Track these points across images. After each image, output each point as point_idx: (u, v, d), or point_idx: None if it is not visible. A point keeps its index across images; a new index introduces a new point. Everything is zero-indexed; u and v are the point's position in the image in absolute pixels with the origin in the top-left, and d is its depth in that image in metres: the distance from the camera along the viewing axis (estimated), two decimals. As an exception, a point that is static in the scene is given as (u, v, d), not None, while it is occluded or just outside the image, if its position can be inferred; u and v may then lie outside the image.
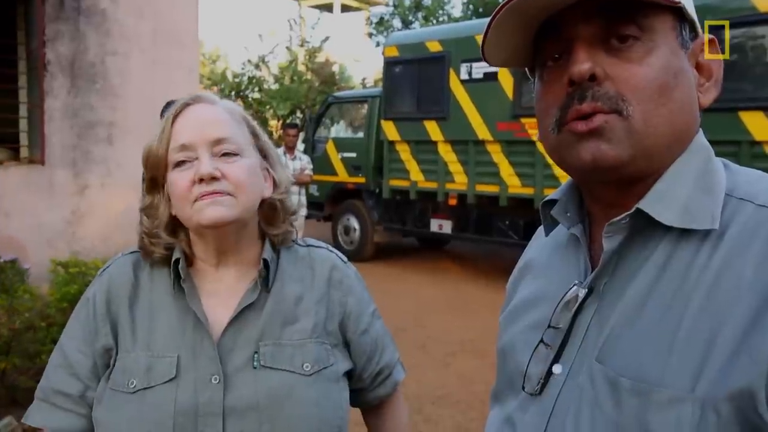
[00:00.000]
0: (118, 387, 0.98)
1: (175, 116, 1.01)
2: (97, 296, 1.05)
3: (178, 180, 0.98)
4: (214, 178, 0.95)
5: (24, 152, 4.90)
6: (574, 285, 0.72)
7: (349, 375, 1.12)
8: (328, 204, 9.45)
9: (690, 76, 0.69)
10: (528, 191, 7.17)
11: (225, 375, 0.97)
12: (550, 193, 0.80)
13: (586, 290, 0.70)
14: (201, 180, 0.95)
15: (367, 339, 1.13)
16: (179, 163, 0.98)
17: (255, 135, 1.06)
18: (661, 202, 0.66)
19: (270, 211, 1.06)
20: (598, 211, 0.75)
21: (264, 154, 1.07)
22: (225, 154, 0.98)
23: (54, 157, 4.87)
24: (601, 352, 0.66)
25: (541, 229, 0.86)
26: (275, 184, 1.08)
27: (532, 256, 0.88)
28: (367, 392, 1.17)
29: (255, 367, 0.99)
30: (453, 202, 8.01)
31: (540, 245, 0.88)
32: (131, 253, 1.10)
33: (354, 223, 9.07)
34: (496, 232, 7.81)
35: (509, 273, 0.94)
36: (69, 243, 4.93)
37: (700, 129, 0.72)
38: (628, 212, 0.66)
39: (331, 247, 1.18)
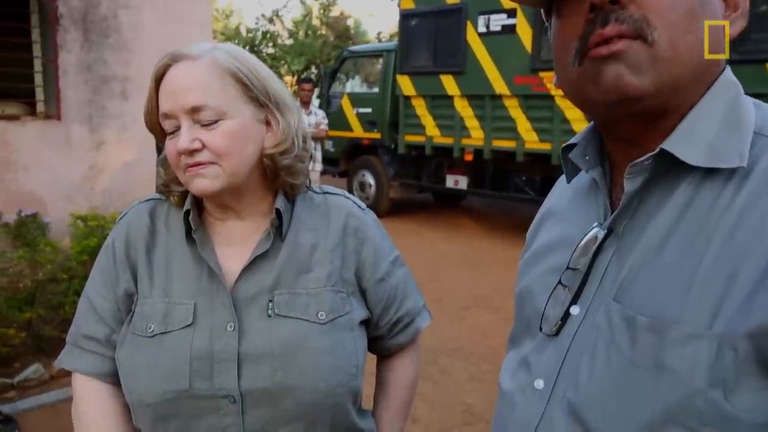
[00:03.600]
0: (138, 331, 1.00)
1: (158, 80, 0.98)
2: (116, 243, 1.07)
3: (168, 148, 0.98)
4: (194, 151, 0.95)
5: (40, 107, 4.91)
6: (594, 227, 0.71)
7: (367, 323, 1.11)
8: (344, 160, 9.42)
9: (715, 4, 0.65)
10: (545, 147, 7.07)
11: (240, 323, 0.98)
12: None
13: (606, 231, 0.69)
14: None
15: (384, 287, 1.11)
16: (169, 132, 0.98)
17: (245, 86, 0.99)
18: (686, 142, 0.64)
19: (268, 165, 1.02)
20: (618, 153, 0.73)
21: (262, 103, 1.01)
22: (205, 122, 0.95)
23: (70, 113, 4.89)
24: (619, 291, 0.66)
25: (563, 177, 0.85)
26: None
27: (553, 203, 0.87)
28: (385, 340, 1.16)
29: (269, 316, 0.99)
30: (469, 157, 7.95)
31: (561, 192, 0.87)
32: (148, 200, 1.10)
33: (369, 178, 9.06)
34: (513, 188, 7.77)
35: (525, 229, 0.93)
36: (87, 197, 4.98)
37: (728, 66, 0.69)
38: (652, 153, 0.64)
39: (347, 194, 1.15)
